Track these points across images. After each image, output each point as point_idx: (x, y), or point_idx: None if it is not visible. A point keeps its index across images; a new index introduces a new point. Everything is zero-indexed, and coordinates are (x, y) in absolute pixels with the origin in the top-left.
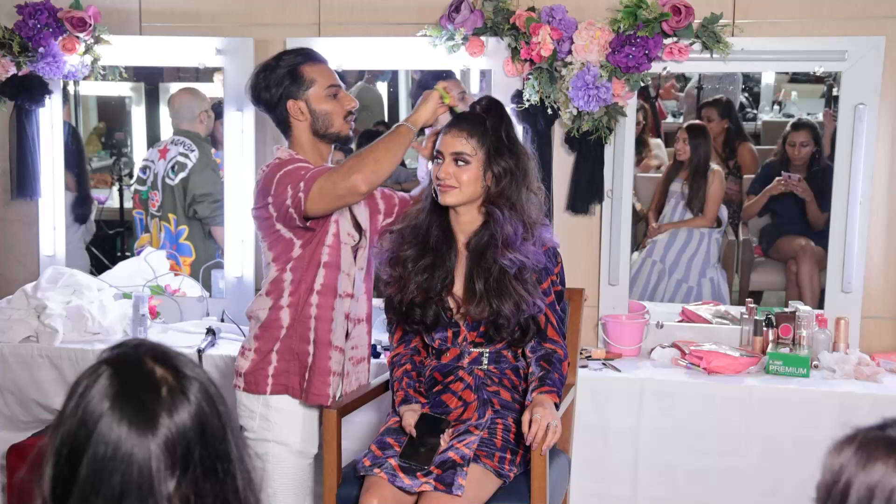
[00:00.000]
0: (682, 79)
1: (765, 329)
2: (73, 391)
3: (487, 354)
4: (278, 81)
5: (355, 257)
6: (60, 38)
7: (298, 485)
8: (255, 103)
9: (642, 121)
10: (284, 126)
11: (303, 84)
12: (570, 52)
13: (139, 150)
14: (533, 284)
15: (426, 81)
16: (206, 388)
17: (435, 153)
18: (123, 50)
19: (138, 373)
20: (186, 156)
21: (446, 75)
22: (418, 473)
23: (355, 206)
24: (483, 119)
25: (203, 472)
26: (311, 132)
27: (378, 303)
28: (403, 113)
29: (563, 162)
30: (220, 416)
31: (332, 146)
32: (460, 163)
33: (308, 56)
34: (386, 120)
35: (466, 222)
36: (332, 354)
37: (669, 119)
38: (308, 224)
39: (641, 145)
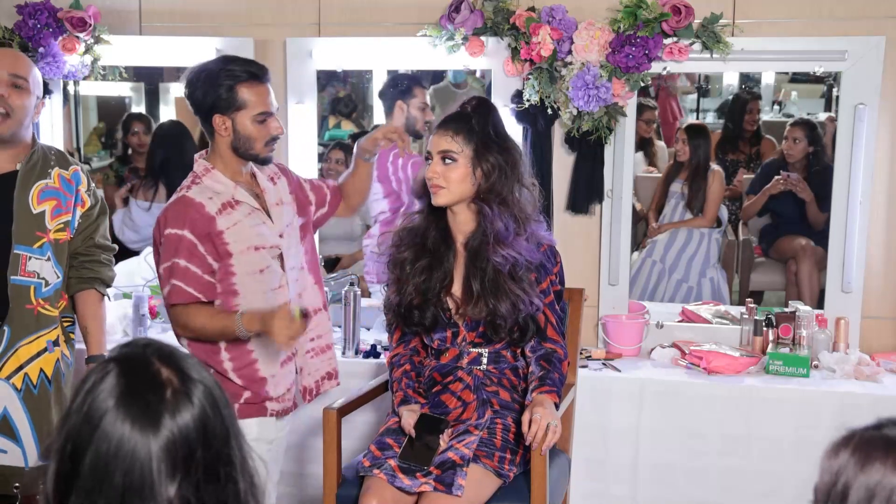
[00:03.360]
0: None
1: (765, 329)
2: (81, 388)
3: (486, 354)
4: (213, 91)
5: (283, 265)
6: (60, 38)
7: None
8: (185, 96)
9: (656, 118)
10: (208, 132)
11: (234, 104)
12: (570, 52)
13: None
14: (529, 283)
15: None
16: (211, 391)
17: (425, 154)
18: (123, 50)
19: (145, 373)
20: None
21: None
22: (418, 474)
23: (273, 211)
24: (469, 117)
25: (205, 475)
26: (230, 148)
27: (378, 303)
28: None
29: (563, 162)
30: (223, 419)
31: (249, 163)
32: (447, 161)
33: (251, 75)
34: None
35: (463, 222)
36: (271, 378)
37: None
38: None
39: (650, 145)
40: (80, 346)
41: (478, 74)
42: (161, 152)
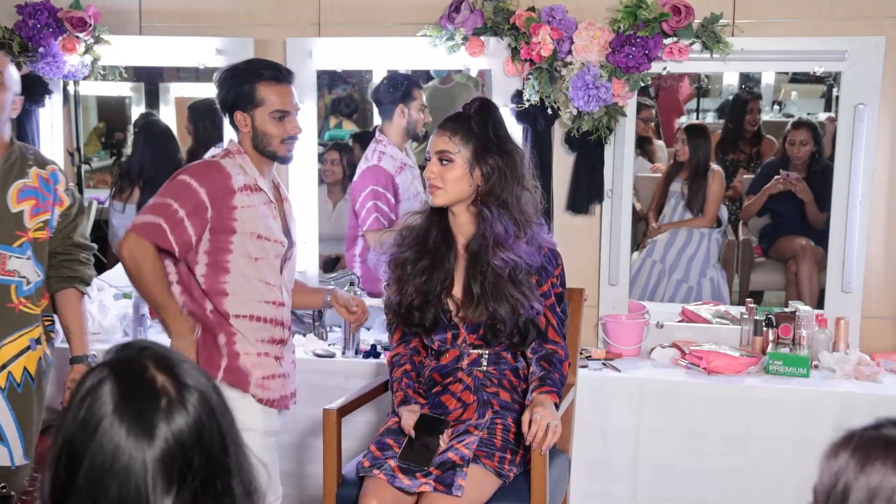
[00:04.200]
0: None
1: (765, 329)
2: (75, 394)
3: (487, 356)
4: (235, 88)
5: (282, 268)
6: (60, 38)
7: (265, 461)
8: (216, 94)
9: (654, 116)
10: (233, 127)
11: (252, 102)
12: (570, 52)
13: None
14: (529, 287)
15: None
16: (208, 398)
17: (426, 155)
18: (123, 50)
19: (140, 381)
20: None
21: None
22: (417, 474)
23: (287, 214)
24: (468, 118)
25: (201, 486)
26: (252, 145)
27: (378, 303)
28: None
29: (563, 162)
30: (220, 426)
31: (274, 163)
32: (444, 161)
33: (271, 76)
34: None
35: (463, 223)
36: (245, 355)
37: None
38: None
39: (649, 143)
40: (61, 345)
41: (464, 70)
42: (139, 154)
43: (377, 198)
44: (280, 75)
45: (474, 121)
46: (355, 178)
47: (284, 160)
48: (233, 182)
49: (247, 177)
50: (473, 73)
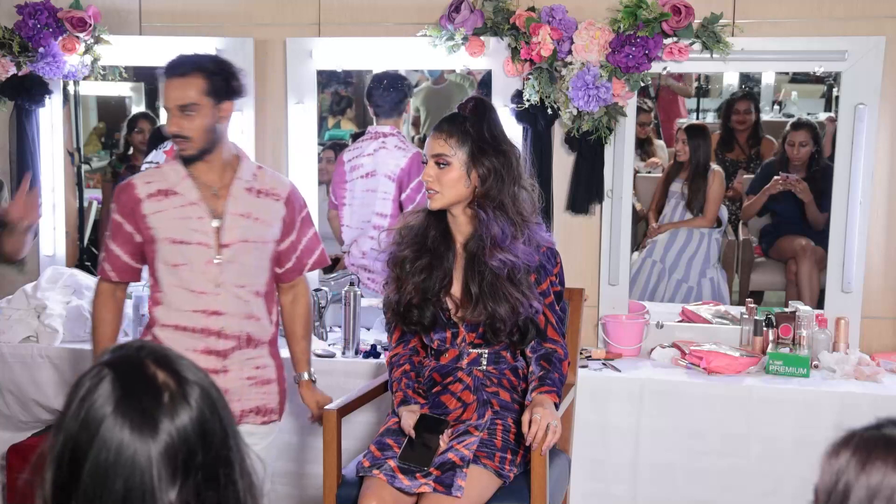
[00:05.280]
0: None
1: (765, 329)
2: (74, 394)
3: (486, 355)
4: None
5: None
6: (60, 38)
7: None
8: None
9: (653, 119)
10: None
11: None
12: (570, 52)
13: None
14: (528, 286)
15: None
16: (208, 392)
17: (423, 157)
18: (123, 50)
19: (140, 377)
20: None
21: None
22: (417, 474)
23: (228, 217)
24: (463, 119)
25: (205, 478)
26: None
27: (378, 302)
28: None
29: (563, 162)
30: (221, 420)
31: (211, 161)
32: (441, 164)
33: (172, 72)
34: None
35: (462, 223)
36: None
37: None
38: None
39: (648, 144)
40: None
41: (463, 69)
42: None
43: None
44: (174, 70)
45: (469, 122)
46: (400, 165)
47: (182, 158)
48: (137, 192)
49: (164, 183)
50: (473, 71)
